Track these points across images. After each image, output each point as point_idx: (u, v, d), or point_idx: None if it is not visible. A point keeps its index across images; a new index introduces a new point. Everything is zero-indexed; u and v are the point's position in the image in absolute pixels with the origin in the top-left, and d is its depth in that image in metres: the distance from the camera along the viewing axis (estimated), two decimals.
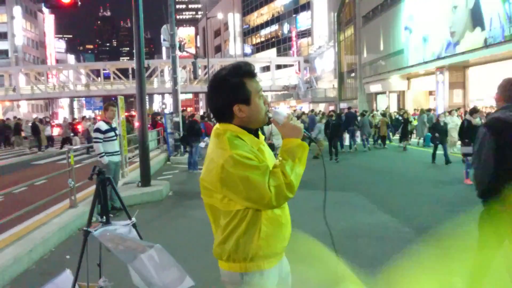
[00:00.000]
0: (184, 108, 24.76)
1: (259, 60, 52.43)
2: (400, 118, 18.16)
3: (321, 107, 40.68)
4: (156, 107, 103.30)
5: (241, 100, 1.63)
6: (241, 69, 1.65)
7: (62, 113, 67.27)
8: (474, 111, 8.61)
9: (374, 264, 4.16)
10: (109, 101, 7.26)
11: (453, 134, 11.90)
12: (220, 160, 1.56)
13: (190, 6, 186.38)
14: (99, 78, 49.26)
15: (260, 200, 1.55)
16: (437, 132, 11.02)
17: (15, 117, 27.55)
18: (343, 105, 33.04)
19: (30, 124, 21.01)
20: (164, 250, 2.43)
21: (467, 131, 8.08)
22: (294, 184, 1.57)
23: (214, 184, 1.59)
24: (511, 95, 2.76)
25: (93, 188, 3.76)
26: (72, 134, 20.41)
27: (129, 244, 2.49)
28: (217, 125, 1.71)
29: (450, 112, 13.93)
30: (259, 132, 1.81)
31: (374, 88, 30.73)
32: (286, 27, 59.18)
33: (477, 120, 8.25)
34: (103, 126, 6.58)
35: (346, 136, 16.05)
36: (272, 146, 9.20)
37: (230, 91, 1.63)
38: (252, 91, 1.64)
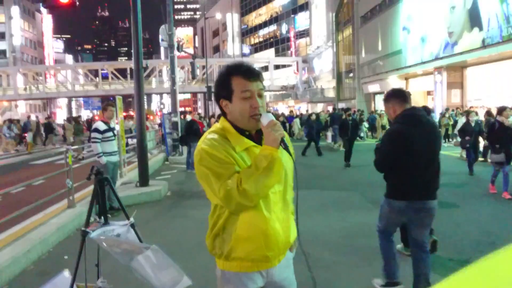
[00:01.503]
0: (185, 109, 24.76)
1: (257, 60, 52.33)
2: None
3: (320, 107, 40.72)
4: (155, 107, 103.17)
5: (223, 96, 1.68)
6: (235, 66, 1.68)
7: (60, 113, 67.18)
8: (503, 109, 7.19)
9: (373, 263, 4.18)
10: (107, 101, 7.26)
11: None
12: (196, 151, 1.65)
13: (188, 6, 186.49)
14: (97, 78, 49.19)
15: (217, 200, 1.59)
16: (468, 135, 9.29)
17: (36, 117, 27.28)
18: (341, 105, 33.08)
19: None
20: (160, 251, 2.43)
21: (497, 134, 6.85)
22: (249, 192, 1.50)
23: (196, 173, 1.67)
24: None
25: (91, 188, 3.76)
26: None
27: (125, 247, 2.49)
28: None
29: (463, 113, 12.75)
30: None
31: (372, 88, 30.76)
32: (284, 27, 59.12)
33: (510, 120, 6.94)
34: (102, 126, 6.60)
35: (329, 134, 17.89)
36: None
37: (217, 85, 1.71)
38: (235, 89, 1.64)
